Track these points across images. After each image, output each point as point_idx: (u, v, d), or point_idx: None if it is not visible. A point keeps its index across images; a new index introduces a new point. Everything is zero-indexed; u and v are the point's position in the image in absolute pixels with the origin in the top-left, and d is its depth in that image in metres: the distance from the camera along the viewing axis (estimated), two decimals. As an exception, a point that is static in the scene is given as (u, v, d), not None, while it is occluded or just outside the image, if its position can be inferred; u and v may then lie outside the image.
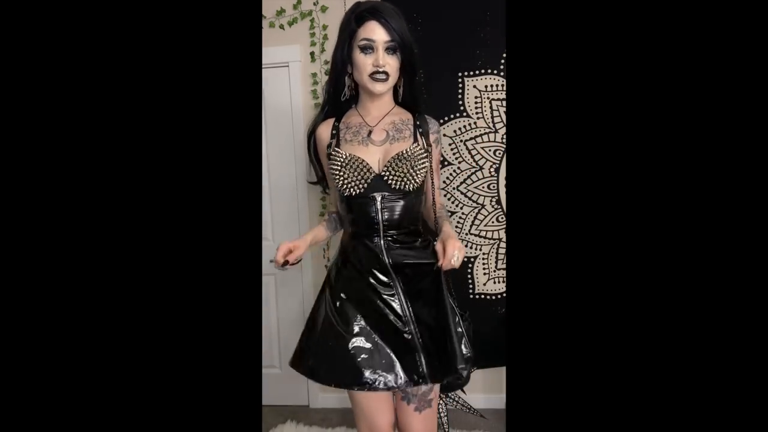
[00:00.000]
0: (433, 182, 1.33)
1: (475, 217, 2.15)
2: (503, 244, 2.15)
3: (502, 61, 2.03)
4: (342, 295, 1.28)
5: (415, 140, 1.28)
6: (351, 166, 1.21)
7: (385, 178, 1.22)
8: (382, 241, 1.24)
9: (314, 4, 2.16)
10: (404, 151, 1.22)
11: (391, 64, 1.22)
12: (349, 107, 1.36)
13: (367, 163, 1.22)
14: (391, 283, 1.25)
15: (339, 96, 1.32)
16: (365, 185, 1.22)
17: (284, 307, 2.39)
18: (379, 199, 1.22)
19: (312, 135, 1.36)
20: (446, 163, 2.11)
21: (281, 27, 2.19)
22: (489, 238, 2.15)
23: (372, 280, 1.25)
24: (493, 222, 2.15)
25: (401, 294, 1.24)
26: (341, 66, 1.27)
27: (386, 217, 1.23)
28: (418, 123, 1.31)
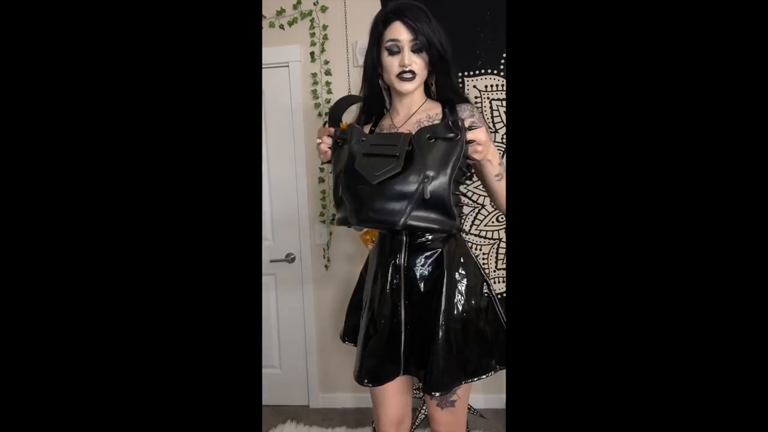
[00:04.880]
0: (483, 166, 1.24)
1: (475, 217, 2.15)
2: (503, 244, 2.15)
3: (502, 61, 2.03)
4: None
5: None
6: None
7: None
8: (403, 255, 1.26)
9: (314, 4, 2.16)
10: None
11: (418, 62, 1.23)
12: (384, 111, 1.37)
13: None
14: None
15: (376, 100, 1.33)
16: None
17: (284, 307, 2.39)
18: None
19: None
20: (446, 163, 2.11)
21: (281, 27, 2.19)
22: (489, 238, 2.15)
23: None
24: (493, 222, 2.15)
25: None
26: (372, 70, 1.29)
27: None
28: (445, 116, 1.28)
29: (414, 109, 1.30)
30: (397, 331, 1.24)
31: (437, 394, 1.19)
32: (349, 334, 1.47)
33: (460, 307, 1.23)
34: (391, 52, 1.22)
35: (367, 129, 1.34)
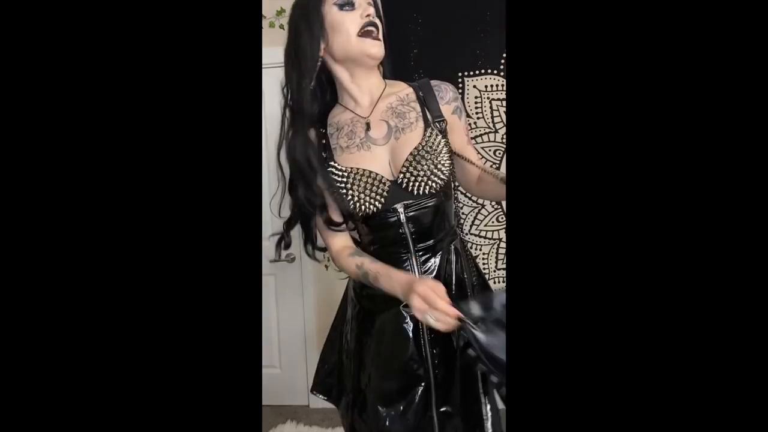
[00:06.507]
0: (469, 159, 1.02)
1: (475, 217, 2.15)
2: (503, 244, 2.15)
3: (502, 61, 2.03)
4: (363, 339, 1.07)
5: (427, 124, 0.98)
6: (357, 183, 0.94)
7: (404, 185, 0.95)
8: (413, 259, 0.98)
9: (314, 4, 2.16)
10: (420, 147, 0.94)
11: (377, 22, 0.95)
12: (329, 108, 1.06)
13: (377, 174, 0.95)
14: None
15: (315, 104, 1.01)
16: (382, 199, 0.95)
17: (284, 307, 2.39)
18: (402, 210, 0.95)
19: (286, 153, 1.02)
20: (446, 163, 2.12)
21: (281, 27, 2.19)
22: (489, 238, 2.15)
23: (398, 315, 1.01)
24: (493, 222, 2.15)
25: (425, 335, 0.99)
26: (315, 48, 0.96)
27: (414, 229, 0.97)
28: (422, 97, 1.00)
29: (377, 92, 1.00)
30: (428, 425, 0.95)
31: None
32: (323, 391, 1.15)
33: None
34: (344, 8, 0.92)
35: (313, 132, 1.01)
